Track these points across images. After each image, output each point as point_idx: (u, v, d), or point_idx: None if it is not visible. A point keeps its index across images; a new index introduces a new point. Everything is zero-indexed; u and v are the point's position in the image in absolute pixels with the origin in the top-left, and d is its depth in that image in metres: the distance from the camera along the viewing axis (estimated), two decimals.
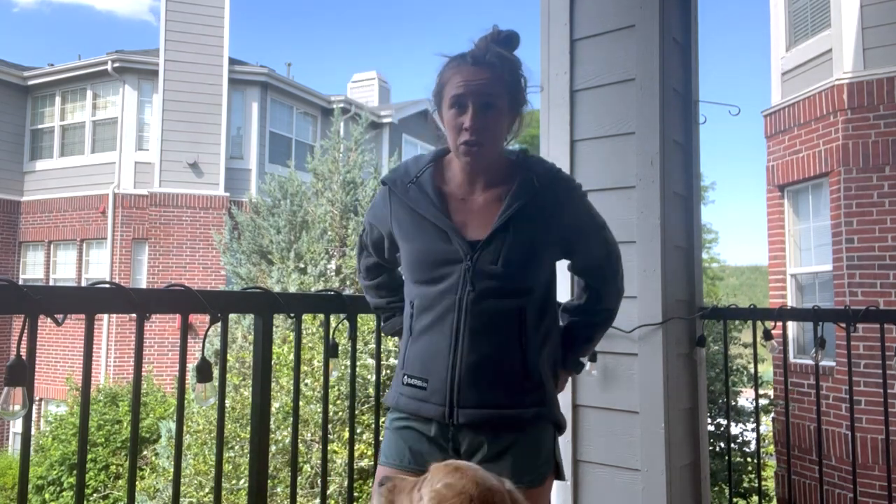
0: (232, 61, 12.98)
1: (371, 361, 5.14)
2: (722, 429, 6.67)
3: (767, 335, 2.57)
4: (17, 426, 11.96)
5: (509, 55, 1.52)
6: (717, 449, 6.60)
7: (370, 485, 3.48)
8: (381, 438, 1.73)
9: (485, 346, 1.45)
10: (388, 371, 5.12)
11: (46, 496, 8.66)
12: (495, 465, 1.43)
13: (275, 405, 5.05)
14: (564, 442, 2.39)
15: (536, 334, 1.51)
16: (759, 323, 2.60)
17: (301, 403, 5.25)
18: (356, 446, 4.75)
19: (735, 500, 6.88)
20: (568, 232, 1.55)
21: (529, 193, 1.50)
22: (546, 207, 1.51)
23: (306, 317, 4.47)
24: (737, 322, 5.37)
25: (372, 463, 2.86)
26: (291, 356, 5.40)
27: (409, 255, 1.54)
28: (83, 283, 11.96)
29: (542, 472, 1.48)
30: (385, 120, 15.55)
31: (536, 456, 1.47)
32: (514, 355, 1.47)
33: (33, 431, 9.94)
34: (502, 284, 1.46)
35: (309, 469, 5.13)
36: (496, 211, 1.50)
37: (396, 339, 1.88)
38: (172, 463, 1.53)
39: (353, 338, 1.95)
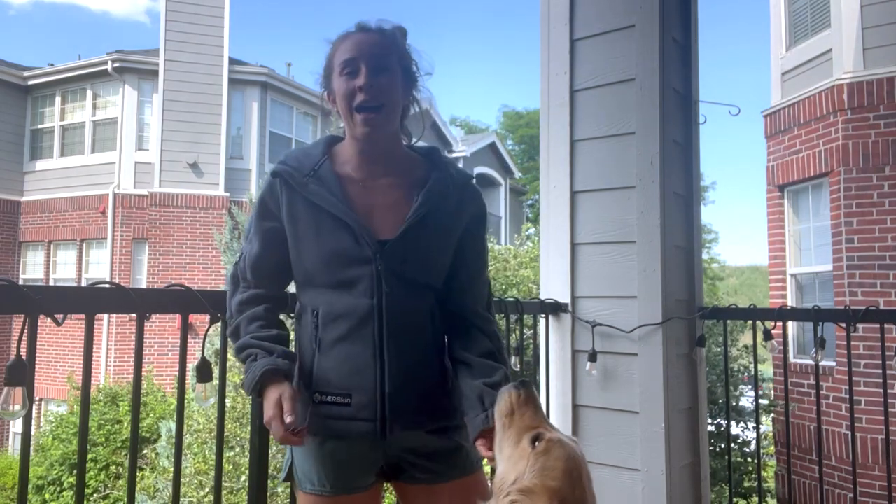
0: (232, 61, 12.98)
1: None
2: (722, 429, 6.67)
3: (767, 335, 2.57)
4: (17, 426, 11.96)
5: (399, 32, 1.44)
6: (717, 449, 6.60)
7: None
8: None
9: (409, 351, 1.36)
10: None
11: (46, 496, 8.66)
12: (438, 464, 1.42)
13: None
14: None
15: (442, 334, 1.45)
16: (759, 323, 2.60)
17: None
18: None
19: (735, 500, 6.87)
20: (462, 239, 1.45)
21: (444, 193, 1.41)
22: (453, 210, 1.43)
23: None
24: (737, 323, 5.37)
25: None
26: None
27: (311, 256, 1.37)
28: (83, 283, 11.96)
29: (476, 456, 1.45)
30: None
31: (465, 443, 1.42)
32: (433, 358, 1.41)
33: (33, 431, 9.94)
34: (415, 287, 1.38)
35: None
36: (402, 202, 1.40)
37: None
38: (172, 462, 1.52)
39: None
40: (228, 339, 1.46)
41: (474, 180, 1.51)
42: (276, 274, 1.45)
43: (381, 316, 1.33)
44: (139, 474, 7.15)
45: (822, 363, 5.38)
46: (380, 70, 1.37)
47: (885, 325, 2.55)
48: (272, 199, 1.42)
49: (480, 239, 1.51)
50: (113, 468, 8.67)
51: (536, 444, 1.02)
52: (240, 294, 1.43)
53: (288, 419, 1.24)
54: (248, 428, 1.96)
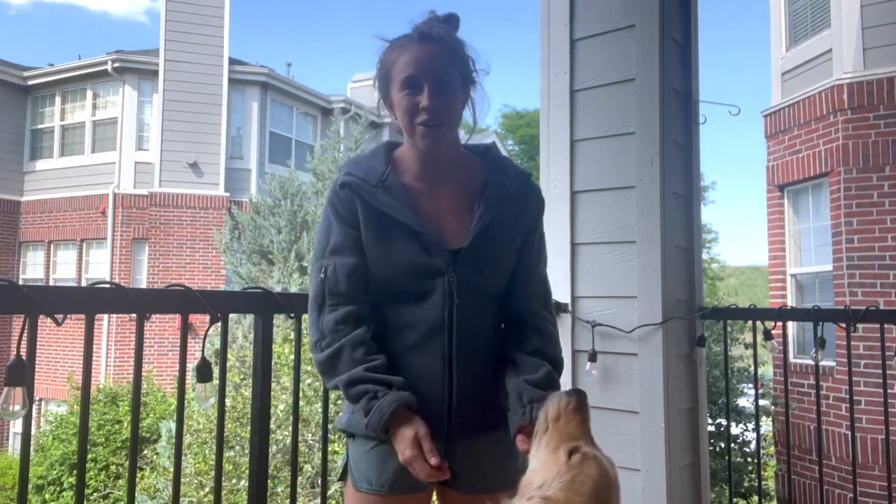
0: (232, 61, 12.98)
1: None
2: (722, 429, 6.67)
3: (767, 335, 2.57)
4: (17, 426, 11.96)
5: (455, 33, 1.45)
6: (717, 449, 6.60)
7: None
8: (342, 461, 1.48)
9: (477, 363, 1.38)
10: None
11: (46, 496, 8.66)
12: (489, 475, 1.42)
13: (279, 407, 5.05)
14: None
15: (503, 341, 1.45)
16: (759, 323, 2.59)
17: (302, 403, 5.25)
18: None
19: (735, 500, 6.88)
20: (524, 241, 1.46)
21: (503, 198, 1.41)
22: (515, 213, 1.43)
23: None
24: (738, 323, 5.37)
25: None
26: (293, 356, 5.39)
27: (383, 266, 1.37)
28: (83, 283, 11.96)
29: (521, 469, 1.47)
30: (385, 120, 15.48)
31: (517, 457, 1.40)
32: (497, 368, 1.41)
33: (33, 431, 9.94)
34: (484, 296, 1.40)
35: (310, 469, 5.13)
36: (464, 210, 1.41)
37: None
38: (172, 462, 1.52)
39: None
40: (320, 364, 1.36)
41: (531, 178, 1.50)
42: (367, 282, 1.40)
43: (451, 328, 1.35)
44: (139, 474, 7.15)
45: (822, 363, 5.38)
46: (442, 88, 1.36)
47: (885, 325, 2.55)
48: (345, 208, 1.39)
49: (539, 237, 1.50)
50: (113, 468, 8.67)
51: (573, 456, 1.01)
52: (330, 312, 1.35)
53: (433, 461, 1.22)
54: (248, 428, 1.96)
